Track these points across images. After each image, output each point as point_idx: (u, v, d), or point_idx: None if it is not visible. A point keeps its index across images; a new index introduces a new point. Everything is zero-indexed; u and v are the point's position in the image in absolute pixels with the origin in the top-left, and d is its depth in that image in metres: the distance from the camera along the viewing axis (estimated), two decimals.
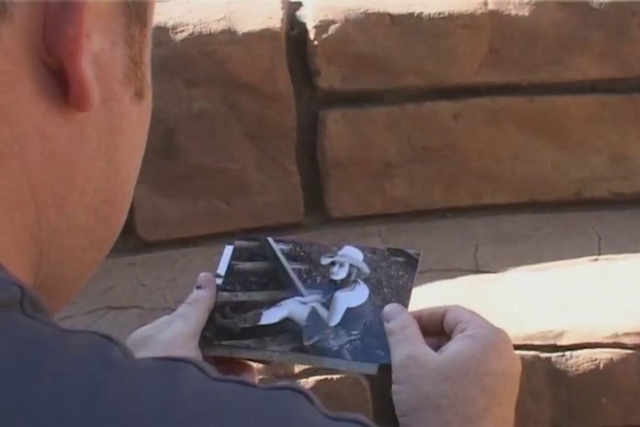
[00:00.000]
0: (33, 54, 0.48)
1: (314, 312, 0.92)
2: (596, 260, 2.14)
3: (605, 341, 1.83)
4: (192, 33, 2.22)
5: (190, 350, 0.87)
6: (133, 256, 2.32)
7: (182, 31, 2.22)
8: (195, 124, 2.28)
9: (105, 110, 0.52)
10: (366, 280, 0.93)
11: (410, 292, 0.92)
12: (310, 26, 2.24)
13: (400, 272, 0.93)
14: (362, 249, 0.95)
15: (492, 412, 0.81)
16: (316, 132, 2.33)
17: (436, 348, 0.85)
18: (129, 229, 2.32)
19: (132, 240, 2.34)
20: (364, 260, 0.94)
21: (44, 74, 0.49)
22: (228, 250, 0.97)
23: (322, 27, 2.23)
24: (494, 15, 2.26)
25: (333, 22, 2.23)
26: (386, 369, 0.87)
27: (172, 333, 0.87)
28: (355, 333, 0.90)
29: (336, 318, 0.91)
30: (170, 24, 2.22)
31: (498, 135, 2.34)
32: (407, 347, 0.84)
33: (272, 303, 0.92)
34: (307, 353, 0.90)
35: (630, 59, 2.30)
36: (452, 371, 0.81)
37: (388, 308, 0.89)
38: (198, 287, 0.93)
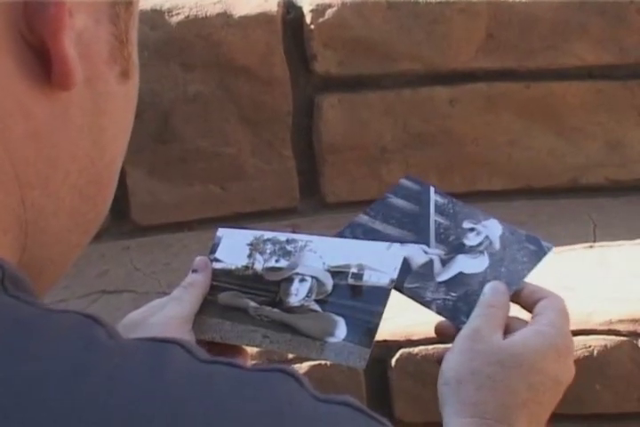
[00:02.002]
0: (14, 32, 0.48)
1: (430, 263, 0.94)
2: (591, 247, 2.13)
3: (599, 328, 1.83)
4: (188, 16, 2.20)
5: (184, 333, 0.86)
6: (128, 240, 2.31)
7: (178, 14, 2.20)
8: (190, 108, 2.27)
9: (89, 90, 0.51)
10: (491, 255, 0.95)
11: (522, 279, 0.94)
12: (307, 10, 2.23)
13: (525, 259, 0.95)
14: (504, 226, 0.97)
15: (529, 407, 0.81)
16: (311, 117, 2.32)
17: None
18: (124, 213, 2.32)
19: (126, 224, 2.34)
20: (500, 236, 0.97)
21: (26, 52, 0.48)
22: (221, 232, 0.97)
23: (318, 11, 2.22)
24: (491, 0, 2.25)
25: (330, 6, 2.22)
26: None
27: (166, 316, 0.87)
28: (453, 294, 0.92)
29: (445, 276, 0.94)
30: (165, 7, 2.20)
31: (494, 121, 2.34)
32: (482, 323, 0.85)
33: (399, 241, 0.94)
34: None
35: (627, 45, 2.29)
36: (507, 357, 0.81)
37: (494, 284, 0.90)
38: (194, 271, 0.93)
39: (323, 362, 1.79)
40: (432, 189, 1.01)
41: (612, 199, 2.35)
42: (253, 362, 1.76)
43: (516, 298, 0.91)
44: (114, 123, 0.55)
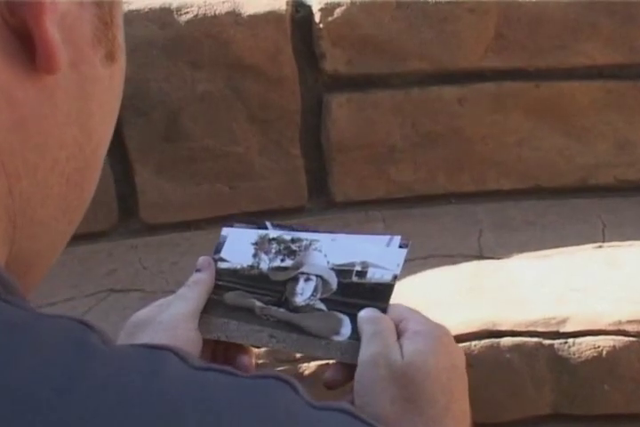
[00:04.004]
0: None
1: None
2: (600, 247, 2.13)
3: (608, 328, 1.83)
4: (197, 15, 2.20)
5: (190, 330, 0.87)
6: (136, 239, 2.31)
7: (187, 13, 2.20)
8: (198, 107, 2.27)
9: (75, 74, 0.50)
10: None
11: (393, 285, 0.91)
12: (316, 8, 2.23)
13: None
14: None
15: (451, 409, 0.80)
16: (320, 116, 2.31)
17: None
18: (132, 211, 2.32)
19: (134, 223, 2.34)
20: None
21: (8, 36, 0.47)
22: (225, 232, 0.97)
23: (327, 9, 2.22)
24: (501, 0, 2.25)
25: (339, 5, 2.22)
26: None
27: (172, 314, 0.87)
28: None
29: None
30: (174, 5, 2.20)
31: (503, 121, 2.33)
32: (380, 343, 0.83)
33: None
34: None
35: (638, 45, 2.28)
36: (415, 371, 0.80)
37: (364, 313, 0.87)
38: (197, 270, 0.93)
39: (330, 362, 1.79)
40: (268, 224, 0.97)
41: (621, 199, 2.34)
42: (261, 362, 1.76)
43: None
44: (100, 107, 0.54)
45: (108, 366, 0.43)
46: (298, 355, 1.78)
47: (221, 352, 0.92)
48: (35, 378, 0.41)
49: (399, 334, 0.84)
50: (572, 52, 2.29)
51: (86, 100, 0.52)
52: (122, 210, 2.31)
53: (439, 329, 0.84)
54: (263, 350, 1.75)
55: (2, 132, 0.48)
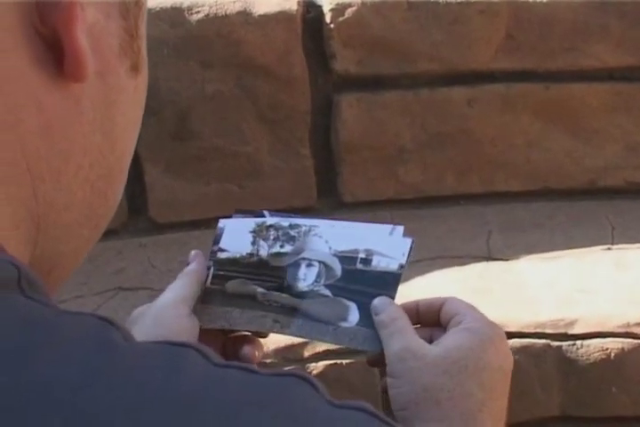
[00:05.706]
0: (26, 24, 0.48)
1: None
2: (609, 249, 2.13)
3: (617, 330, 1.83)
4: (207, 14, 2.20)
5: (179, 316, 0.86)
6: (145, 238, 2.32)
7: (198, 12, 2.21)
8: (208, 107, 2.27)
9: (101, 83, 0.52)
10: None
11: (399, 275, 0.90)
12: (326, 9, 2.23)
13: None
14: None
15: (488, 406, 0.80)
16: (330, 116, 2.32)
17: (429, 340, 0.85)
18: (141, 210, 2.32)
19: (143, 222, 2.34)
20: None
21: (39, 44, 0.48)
22: (222, 223, 0.97)
23: (338, 10, 2.22)
24: (511, 1, 2.25)
25: (350, 6, 2.22)
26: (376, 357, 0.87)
27: (161, 302, 0.88)
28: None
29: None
30: (185, 5, 2.21)
31: (512, 122, 2.33)
32: (401, 339, 0.83)
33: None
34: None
35: None
36: (450, 364, 0.80)
37: (377, 301, 0.88)
38: (188, 264, 0.94)
39: (339, 361, 1.79)
40: (266, 213, 0.97)
41: (630, 202, 2.34)
42: (268, 360, 1.76)
43: (417, 318, 0.89)
44: (124, 116, 0.55)
45: (128, 362, 0.43)
46: (306, 354, 1.78)
47: (231, 346, 0.92)
48: (53, 374, 0.42)
49: (449, 328, 0.85)
50: (583, 54, 2.29)
51: (111, 109, 0.53)
52: (131, 208, 2.31)
53: (493, 329, 0.85)
54: (271, 349, 1.76)
55: (30, 136, 0.49)
